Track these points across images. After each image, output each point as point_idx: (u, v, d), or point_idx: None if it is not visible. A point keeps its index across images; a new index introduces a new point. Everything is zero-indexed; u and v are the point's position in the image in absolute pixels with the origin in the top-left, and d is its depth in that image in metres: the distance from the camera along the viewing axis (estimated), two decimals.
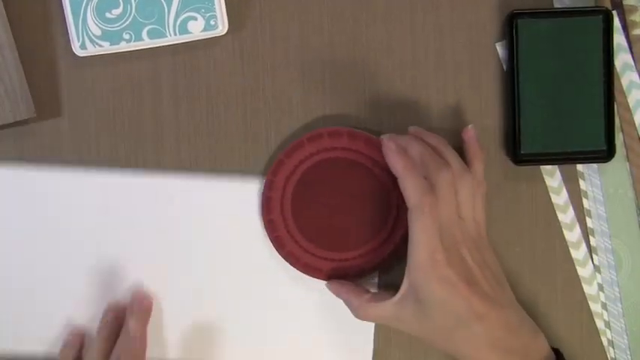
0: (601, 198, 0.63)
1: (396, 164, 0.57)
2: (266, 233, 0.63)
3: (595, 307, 0.63)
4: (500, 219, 0.63)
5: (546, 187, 0.63)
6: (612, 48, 0.61)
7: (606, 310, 0.63)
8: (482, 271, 0.56)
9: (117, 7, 0.61)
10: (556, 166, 0.63)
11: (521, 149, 0.62)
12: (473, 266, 0.55)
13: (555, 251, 0.64)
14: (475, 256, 0.56)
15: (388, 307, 0.57)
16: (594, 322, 0.63)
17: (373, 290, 0.62)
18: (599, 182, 0.63)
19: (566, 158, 0.62)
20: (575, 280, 0.64)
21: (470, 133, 0.60)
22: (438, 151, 0.58)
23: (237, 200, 0.63)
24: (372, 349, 0.64)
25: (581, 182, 0.63)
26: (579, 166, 0.63)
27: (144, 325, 0.61)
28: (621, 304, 0.63)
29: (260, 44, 0.64)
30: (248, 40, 0.64)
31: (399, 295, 0.56)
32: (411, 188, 0.55)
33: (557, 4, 0.63)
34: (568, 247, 0.63)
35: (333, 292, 0.61)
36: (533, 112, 0.62)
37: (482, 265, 0.56)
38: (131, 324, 0.60)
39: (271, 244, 0.62)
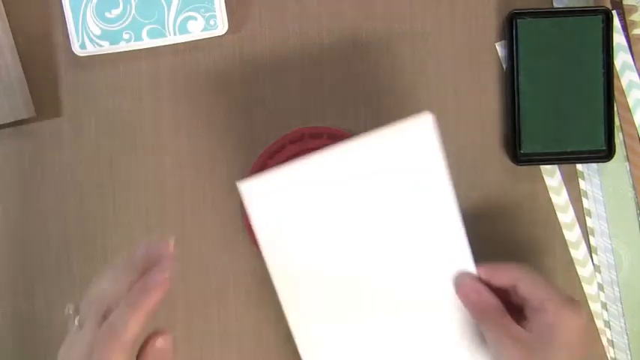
0: (601, 198, 0.63)
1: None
2: (249, 237, 0.63)
3: (595, 306, 0.63)
4: (501, 219, 0.63)
5: (546, 186, 0.63)
6: (612, 48, 0.61)
7: (606, 309, 0.63)
8: None
9: (116, 6, 0.61)
10: (556, 166, 0.63)
11: (521, 149, 0.62)
12: None
13: (555, 251, 0.64)
14: None
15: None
16: (594, 322, 0.63)
17: None
18: (599, 182, 0.63)
19: (566, 158, 0.62)
20: (575, 280, 0.64)
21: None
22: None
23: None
24: None
25: (581, 182, 0.63)
26: (579, 166, 0.63)
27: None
28: (621, 303, 0.63)
29: (260, 44, 0.64)
30: (248, 40, 0.64)
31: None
32: None
33: (556, 4, 0.63)
34: (568, 247, 0.63)
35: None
36: (533, 112, 0.62)
37: None
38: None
39: (256, 248, 0.63)
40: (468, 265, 0.57)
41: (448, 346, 0.58)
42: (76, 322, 0.51)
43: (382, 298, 0.57)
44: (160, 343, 0.53)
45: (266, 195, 0.56)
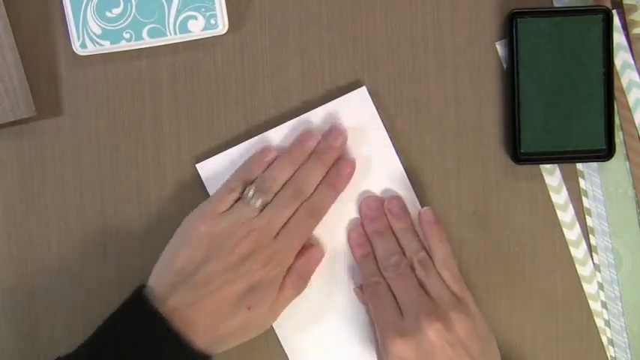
0: (601, 197, 0.63)
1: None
2: None
3: (595, 305, 0.63)
4: (500, 218, 0.64)
5: (546, 186, 0.63)
6: (612, 47, 0.61)
7: (606, 308, 0.63)
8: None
9: (117, 6, 0.61)
10: (556, 165, 0.63)
11: (522, 148, 0.62)
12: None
13: (555, 250, 0.64)
14: None
15: None
16: (594, 321, 0.63)
17: None
18: (599, 181, 0.63)
19: (566, 157, 0.62)
20: (575, 279, 0.64)
21: (426, 217, 0.61)
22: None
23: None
24: None
25: (581, 181, 0.64)
26: (579, 165, 0.64)
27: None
28: (621, 302, 0.63)
29: (260, 44, 0.64)
30: (248, 40, 0.64)
31: None
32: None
33: (557, 4, 0.63)
34: (568, 246, 0.64)
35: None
36: (533, 111, 0.62)
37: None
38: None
39: None
40: (417, 207, 0.63)
41: None
42: (252, 196, 0.59)
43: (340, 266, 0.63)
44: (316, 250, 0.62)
45: (222, 172, 0.62)
